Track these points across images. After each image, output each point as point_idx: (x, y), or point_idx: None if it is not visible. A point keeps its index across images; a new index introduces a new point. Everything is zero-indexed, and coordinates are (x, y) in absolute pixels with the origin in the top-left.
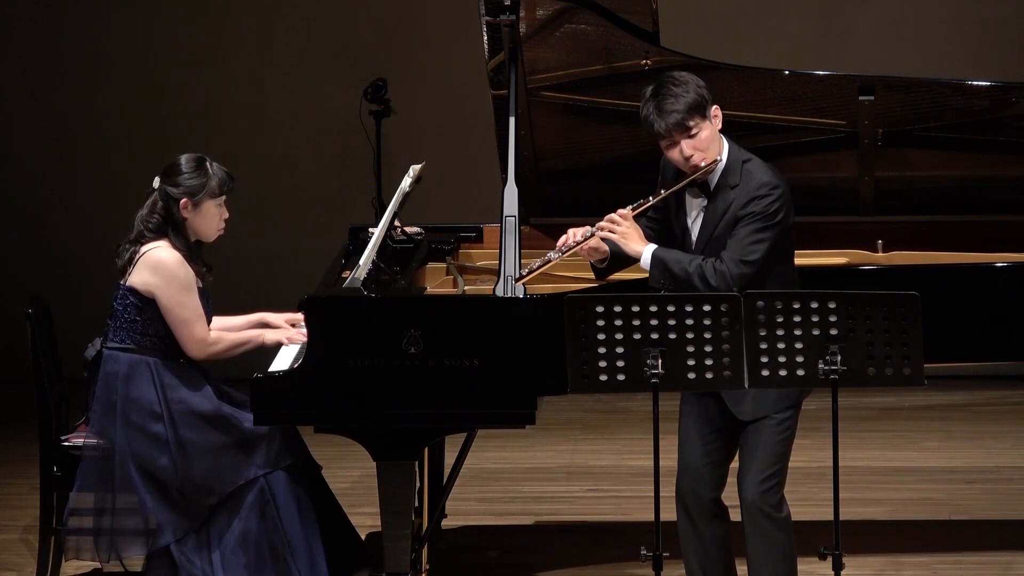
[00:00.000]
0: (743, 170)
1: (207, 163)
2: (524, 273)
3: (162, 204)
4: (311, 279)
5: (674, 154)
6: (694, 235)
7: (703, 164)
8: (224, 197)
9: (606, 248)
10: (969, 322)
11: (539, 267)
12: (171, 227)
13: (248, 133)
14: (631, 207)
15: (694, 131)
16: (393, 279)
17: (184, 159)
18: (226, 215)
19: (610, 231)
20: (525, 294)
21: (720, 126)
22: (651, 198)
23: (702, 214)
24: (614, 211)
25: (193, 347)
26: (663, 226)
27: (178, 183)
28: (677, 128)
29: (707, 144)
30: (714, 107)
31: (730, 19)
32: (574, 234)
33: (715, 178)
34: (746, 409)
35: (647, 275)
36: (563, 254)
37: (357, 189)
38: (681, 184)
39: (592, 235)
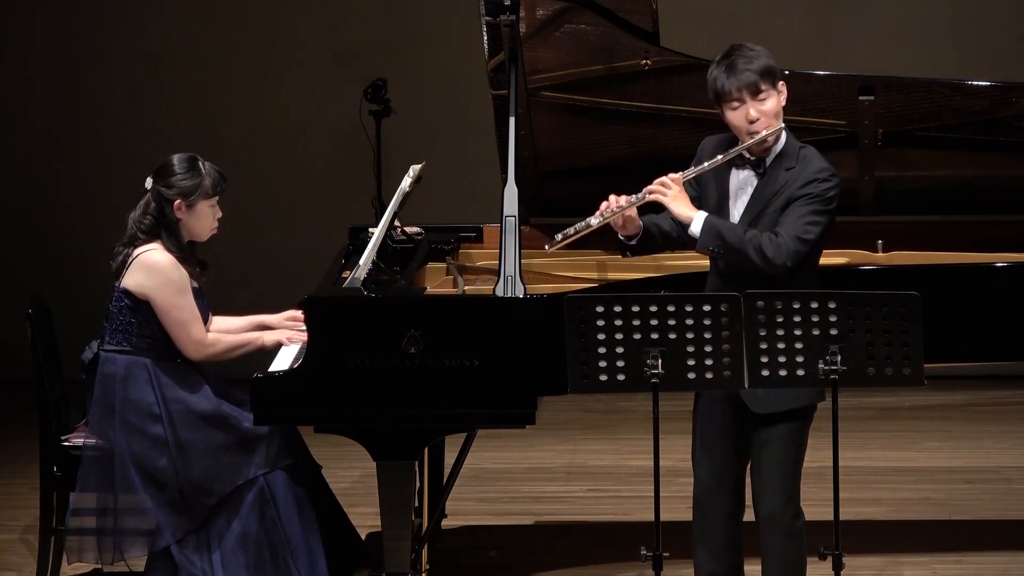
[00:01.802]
0: (800, 155)
1: (199, 163)
2: (559, 238)
3: (155, 205)
4: (311, 279)
5: (737, 116)
6: (737, 209)
7: (765, 131)
8: (217, 197)
9: (640, 223)
10: (969, 322)
11: (576, 233)
12: (164, 228)
13: (248, 133)
14: (682, 173)
15: (763, 96)
16: (393, 279)
17: (176, 159)
18: (219, 214)
19: (661, 194)
20: (525, 294)
21: (784, 104)
22: (706, 163)
23: (750, 189)
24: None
25: (191, 348)
26: (694, 202)
27: (171, 184)
28: (748, 88)
29: (772, 114)
30: (782, 83)
31: (730, 19)
32: (616, 200)
33: (771, 157)
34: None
35: (647, 275)
36: (604, 219)
37: (357, 189)
38: (738, 149)
39: (642, 199)
